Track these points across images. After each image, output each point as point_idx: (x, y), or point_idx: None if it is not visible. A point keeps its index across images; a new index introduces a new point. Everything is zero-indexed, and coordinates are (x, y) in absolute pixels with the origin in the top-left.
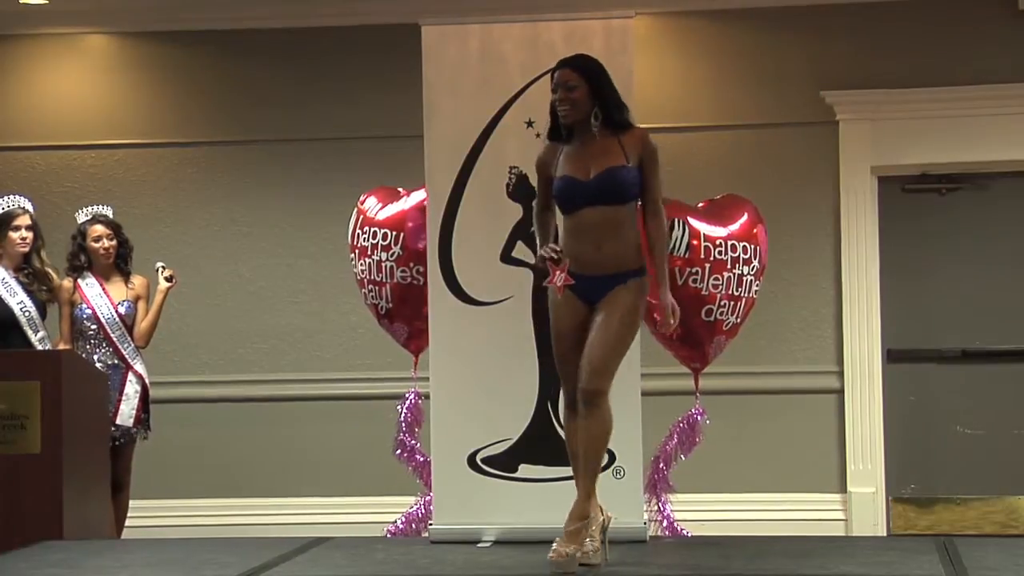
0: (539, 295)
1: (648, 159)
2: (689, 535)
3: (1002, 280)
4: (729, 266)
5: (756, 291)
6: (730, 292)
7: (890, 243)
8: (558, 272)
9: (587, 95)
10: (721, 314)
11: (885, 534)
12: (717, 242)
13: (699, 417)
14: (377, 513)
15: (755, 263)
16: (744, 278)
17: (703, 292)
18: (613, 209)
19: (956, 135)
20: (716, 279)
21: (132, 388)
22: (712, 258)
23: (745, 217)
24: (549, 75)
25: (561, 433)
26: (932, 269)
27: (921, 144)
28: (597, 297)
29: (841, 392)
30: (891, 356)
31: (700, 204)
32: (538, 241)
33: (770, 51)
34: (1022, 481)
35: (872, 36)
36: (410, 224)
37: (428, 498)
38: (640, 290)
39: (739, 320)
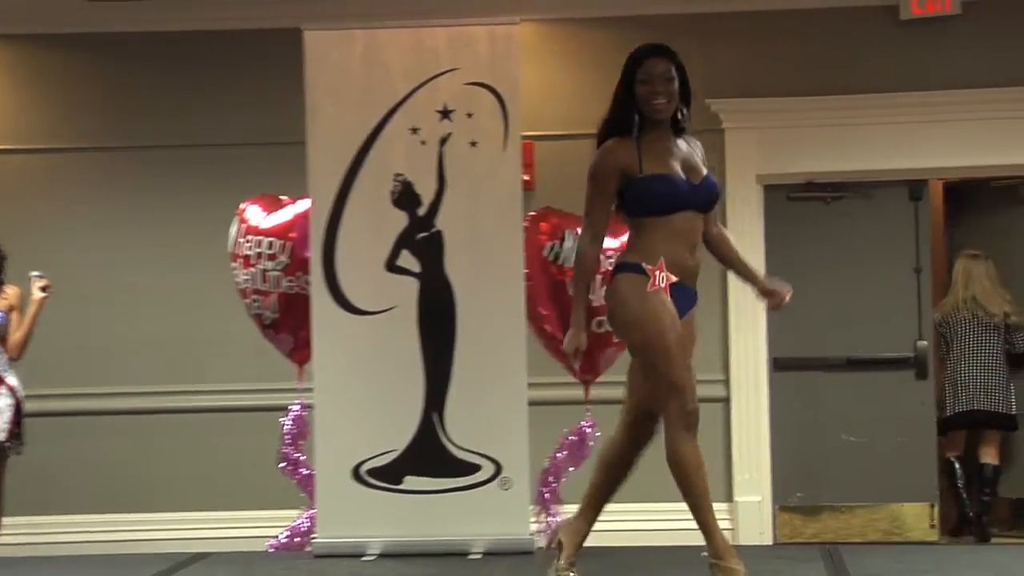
0: (425, 303)
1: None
2: None
3: (886, 288)
4: None
5: None
6: None
7: (775, 251)
8: (657, 272)
9: (676, 89)
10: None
11: (771, 542)
12: (609, 253)
13: (589, 429)
14: (261, 527)
15: None
16: None
17: (595, 303)
18: (702, 218)
19: (841, 144)
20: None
21: (4, 402)
22: (603, 270)
23: None
24: (631, 63)
25: (449, 447)
26: (817, 277)
27: (806, 153)
28: (683, 308)
29: (727, 401)
30: (777, 364)
31: None
32: (576, 289)
33: None
34: (906, 489)
35: (757, 44)
36: (297, 233)
37: (313, 511)
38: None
39: None
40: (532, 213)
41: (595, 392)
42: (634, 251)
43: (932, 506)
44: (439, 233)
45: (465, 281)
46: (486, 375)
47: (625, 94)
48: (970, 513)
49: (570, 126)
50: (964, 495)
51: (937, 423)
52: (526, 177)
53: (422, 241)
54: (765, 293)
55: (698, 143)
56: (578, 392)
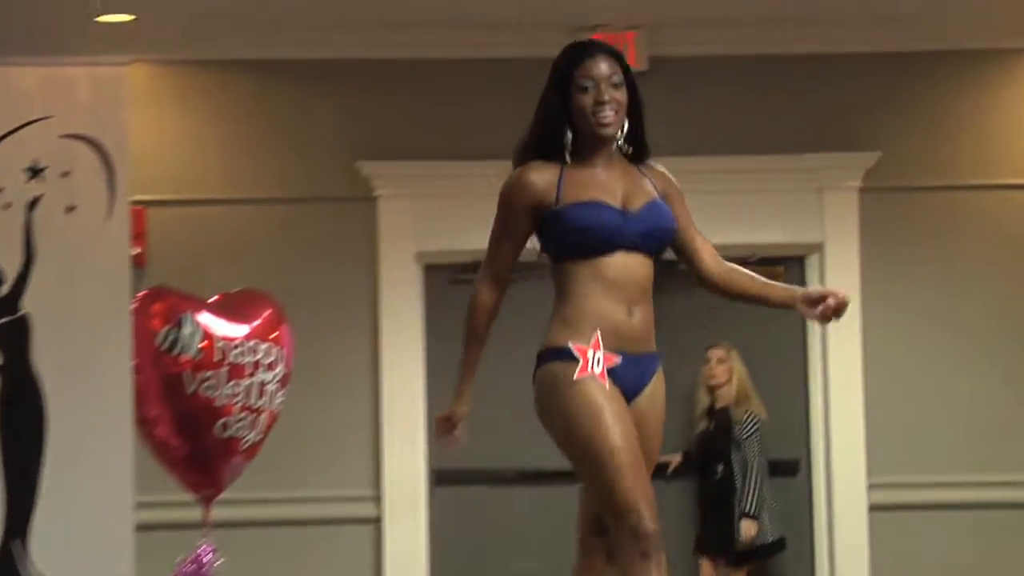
0: (6, 403)
1: (678, 196)
2: None
3: None
4: (248, 372)
5: (280, 402)
6: (249, 403)
7: (438, 344)
8: (590, 353)
9: (625, 97)
10: (239, 430)
11: None
12: (234, 343)
13: (209, 556)
14: None
15: (279, 368)
16: (266, 387)
17: (217, 403)
18: (646, 262)
19: None
20: (233, 387)
21: None
22: (228, 362)
23: (267, 314)
24: (564, 65)
25: None
26: (486, 377)
27: (475, 226)
28: (633, 387)
29: (379, 521)
30: (438, 478)
31: (213, 298)
32: (463, 347)
33: (297, 111)
34: None
35: (418, 98)
36: None
37: None
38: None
39: (260, 437)
40: (143, 293)
41: (217, 512)
42: (558, 320)
43: None
44: (25, 317)
45: (58, 376)
46: (84, 492)
47: (555, 106)
48: None
49: (191, 189)
50: None
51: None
52: (136, 250)
53: (3, 327)
54: (811, 303)
55: (659, 169)
56: (195, 513)
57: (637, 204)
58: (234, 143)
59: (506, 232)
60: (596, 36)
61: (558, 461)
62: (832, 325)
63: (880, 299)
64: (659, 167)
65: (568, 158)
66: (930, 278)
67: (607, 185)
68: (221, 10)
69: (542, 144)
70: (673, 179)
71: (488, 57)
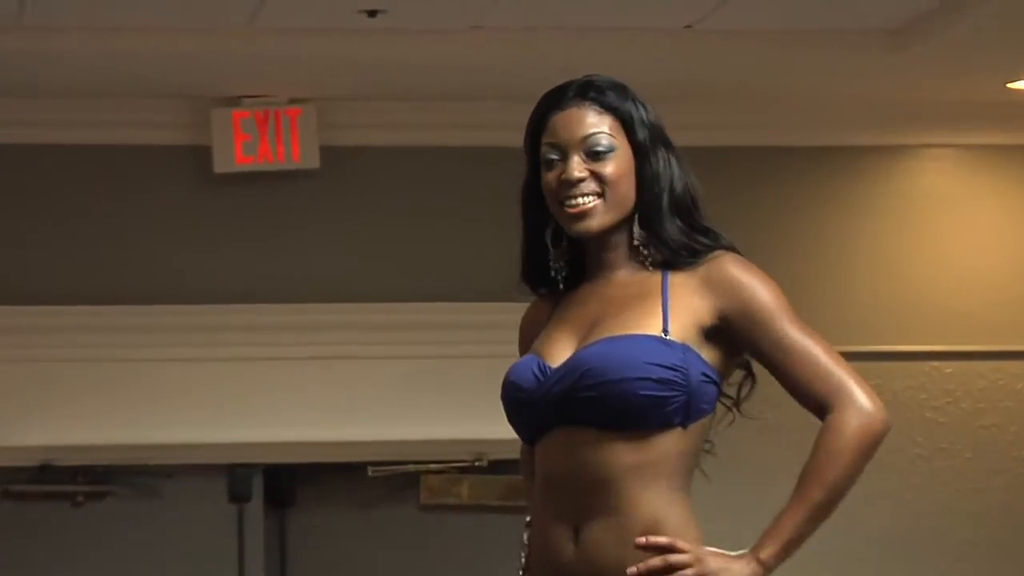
0: None
1: (761, 310)
2: None
3: None
4: None
5: None
6: None
7: None
8: None
9: (628, 164)
10: None
11: None
12: None
13: None
14: None
15: None
16: None
17: None
18: (619, 442)
19: (115, 401)
20: None
21: None
22: None
23: None
24: (532, 129)
25: None
26: None
27: (48, 420)
28: None
29: None
30: None
31: None
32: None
33: None
34: None
35: None
36: None
37: None
38: None
39: None
40: None
41: None
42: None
43: None
44: None
45: None
46: None
47: (532, 198)
48: None
49: None
50: None
51: None
52: None
53: None
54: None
55: (735, 282)
56: None
57: (580, 347)
58: None
59: None
60: (243, 112)
61: None
62: None
63: None
64: (732, 268)
65: (563, 278)
66: None
67: (577, 318)
68: None
69: (530, 258)
70: (753, 284)
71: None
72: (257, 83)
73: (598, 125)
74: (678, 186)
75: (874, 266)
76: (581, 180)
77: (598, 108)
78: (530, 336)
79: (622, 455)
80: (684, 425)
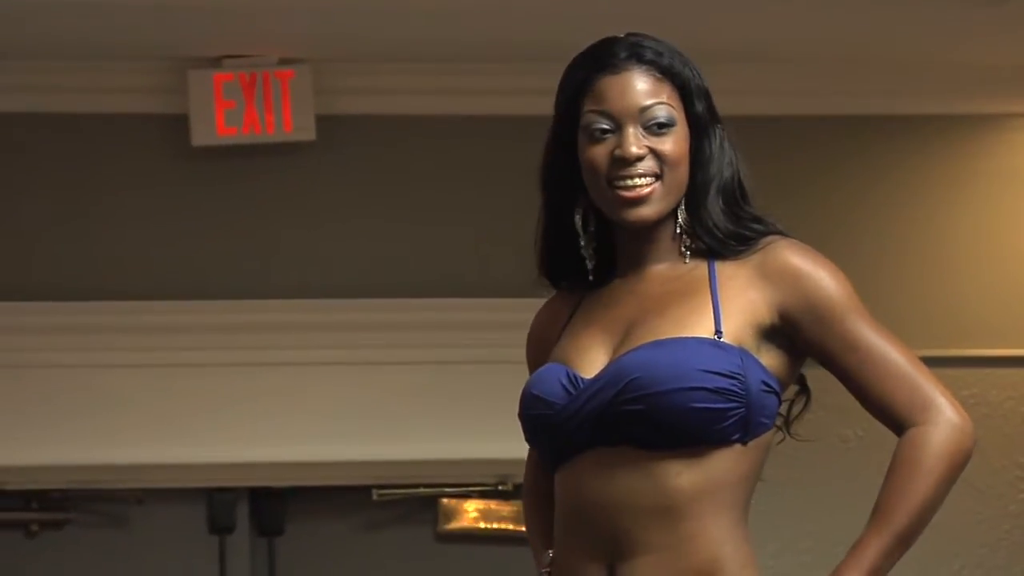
0: None
1: (828, 308)
2: None
3: None
4: None
5: None
6: None
7: None
8: None
9: (686, 141)
10: None
11: None
12: None
13: None
14: None
15: None
16: None
17: None
18: (659, 465)
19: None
20: None
21: None
22: None
23: None
24: (571, 94)
25: None
26: None
27: None
28: None
29: None
30: None
31: None
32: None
33: None
34: None
35: None
36: None
37: None
38: None
39: None
40: None
41: None
42: None
43: None
44: None
45: None
46: None
47: (560, 172)
48: None
49: None
50: None
51: None
52: None
53: None
54: None
55: (795, 271)
56: None
57: (617, 353)
58: None
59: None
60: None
61: None
62: None
63: None
64: (791, 255)
65: (591, 271)
66: None
67: (609, 319)
68: None
69: (552, 246)
70: (818, 273)
71: None
72: (242, 41)
73: (657, 94)
74: (729, 170)
75: (976, 257)
76: (640, 158)
77: (656, 74)
78: (544, 342)
79: (676, 479)
80: (744, 442)
